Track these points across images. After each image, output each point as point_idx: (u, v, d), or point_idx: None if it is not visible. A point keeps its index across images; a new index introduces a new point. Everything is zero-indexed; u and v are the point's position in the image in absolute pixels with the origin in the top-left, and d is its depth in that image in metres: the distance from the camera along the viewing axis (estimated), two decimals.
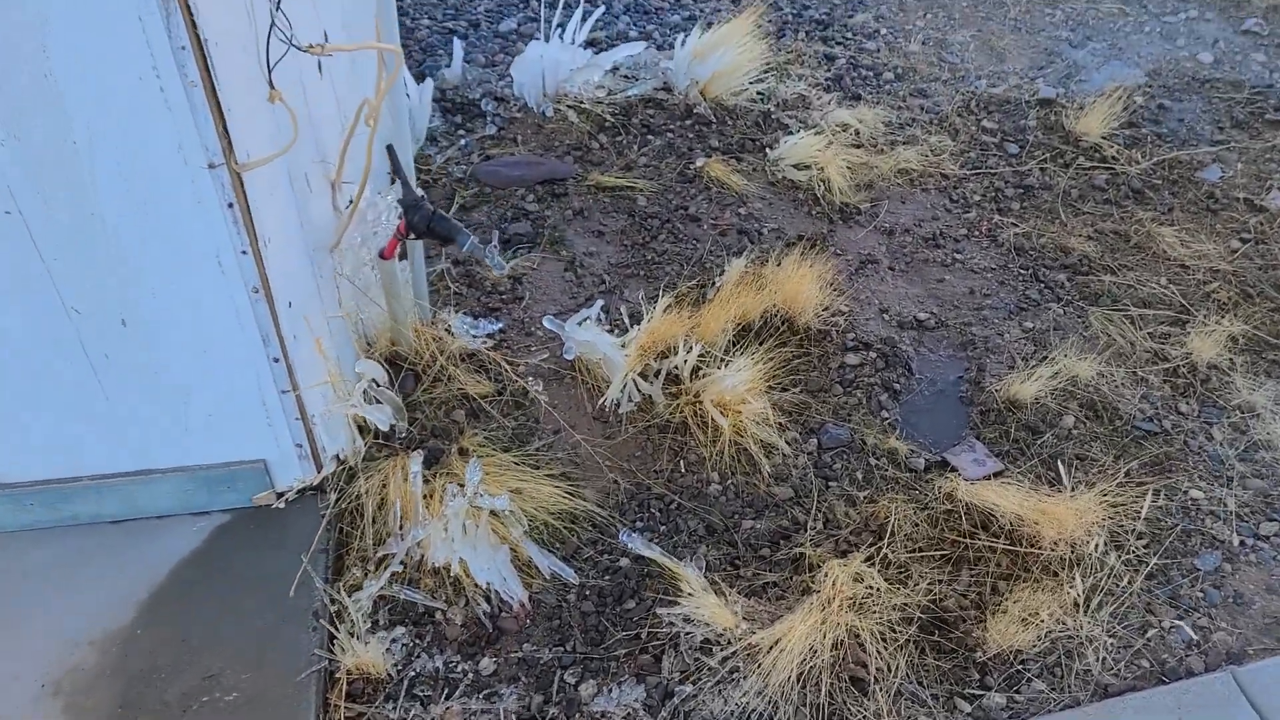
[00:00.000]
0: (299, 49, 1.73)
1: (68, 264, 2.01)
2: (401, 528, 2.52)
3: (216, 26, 1.75)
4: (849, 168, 3.69)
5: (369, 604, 2.40)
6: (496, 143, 3.89)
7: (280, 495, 2.54)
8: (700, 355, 2.91)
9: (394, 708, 2.23)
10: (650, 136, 3.88)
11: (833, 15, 4.59)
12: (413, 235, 2.44)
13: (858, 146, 3.81)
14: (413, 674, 2.30)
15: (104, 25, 1.69)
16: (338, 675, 2.26)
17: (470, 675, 2.31)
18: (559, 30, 3.94)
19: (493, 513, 2.55)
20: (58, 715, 2.17)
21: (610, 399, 2.87)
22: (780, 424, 2.82)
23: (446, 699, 2.26)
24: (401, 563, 2.47)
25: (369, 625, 2.37)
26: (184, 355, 2.21)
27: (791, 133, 3.85)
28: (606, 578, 2.50)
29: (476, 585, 2.44)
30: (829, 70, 4.18)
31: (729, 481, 2.71)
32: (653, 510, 2.66)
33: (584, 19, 3.98)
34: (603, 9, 4.47)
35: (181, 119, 1.82)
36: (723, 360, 2.93)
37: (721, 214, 3.55)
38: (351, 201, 2.45)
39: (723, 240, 3.45)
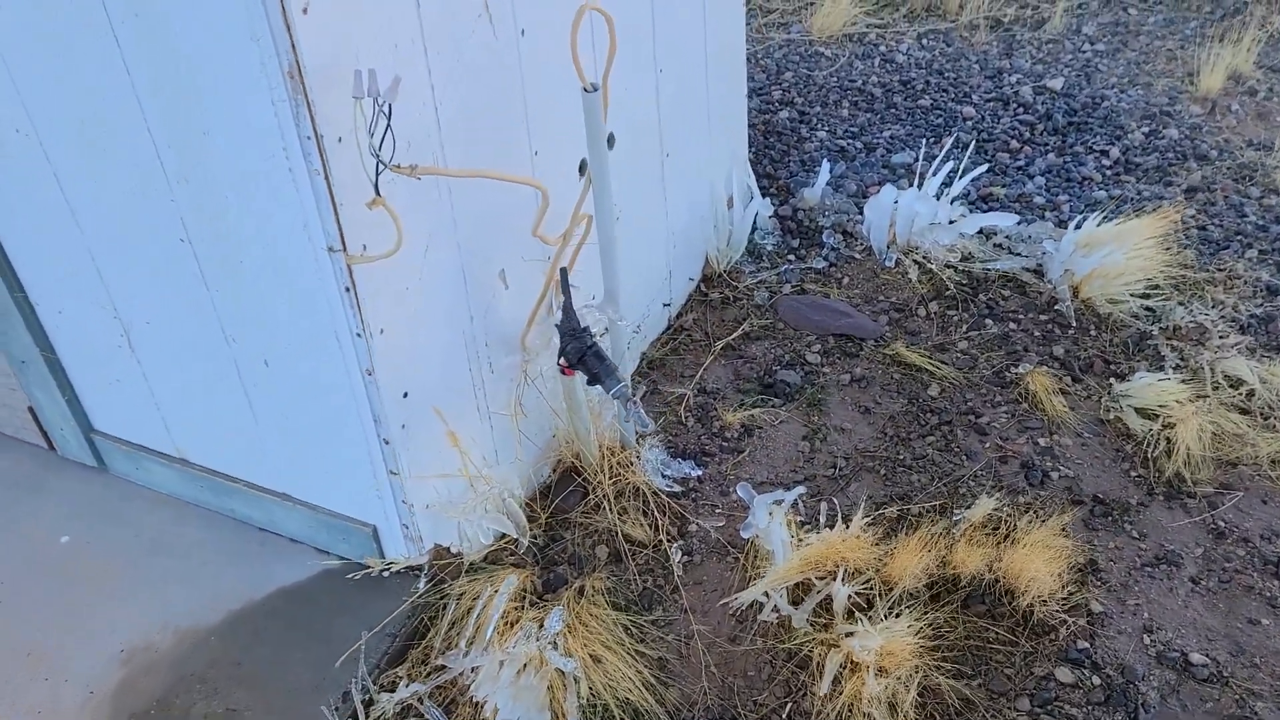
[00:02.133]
0: (385, 165, 1.75)
1: (224, 295, 2.25)
2: (470, 645, 2.48)
3: (335, 124, 1.84)
4: (1213, 435, 2.92)
5: (393, 708, 2.39)
6: (819, 278, 3.67)
7: (385, 564, 2.62)
8: (867, 593, 2.49)
9: None
10: (988, 321, 3.41)
11: None
12: (562, 362, 2.38)
13: (1242, 412, 3.00)
14: None
15: (245, 104, 1.85)
16: None
17: None
18: (937, 175, 3.61)
19: (559, 670, 2.42)
20: (113, 684, 2.44)
21: (744, 601, 2.56)
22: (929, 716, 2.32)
23: None
24: (452, 681, 2.44)
25: None
26: (310, 409, 2.37)
27: (1159, 368, 3.14)
28: None
29: None
30: (1261, 306, 3.34)
31: None
32: None
33: (962, 173, 3.61)
34: (992, 164, 4.02)
35: (306, 201, 1.94)
36: (895, 611, 2.48)
37: (1016, 437, 3.01)
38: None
39: (999, 468, 2.92)
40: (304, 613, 2.57)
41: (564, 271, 2.36)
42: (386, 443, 2.31)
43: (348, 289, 2.05)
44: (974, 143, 4.19)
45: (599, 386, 2.40)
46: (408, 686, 2.39)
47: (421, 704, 2.39)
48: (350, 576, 2.62)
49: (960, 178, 3.58)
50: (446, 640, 2.52)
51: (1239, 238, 3.63)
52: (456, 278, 2.33)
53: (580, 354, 2.33)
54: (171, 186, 2.11)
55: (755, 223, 3.89)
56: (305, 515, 2.65)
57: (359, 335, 2.12)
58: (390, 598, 2.57)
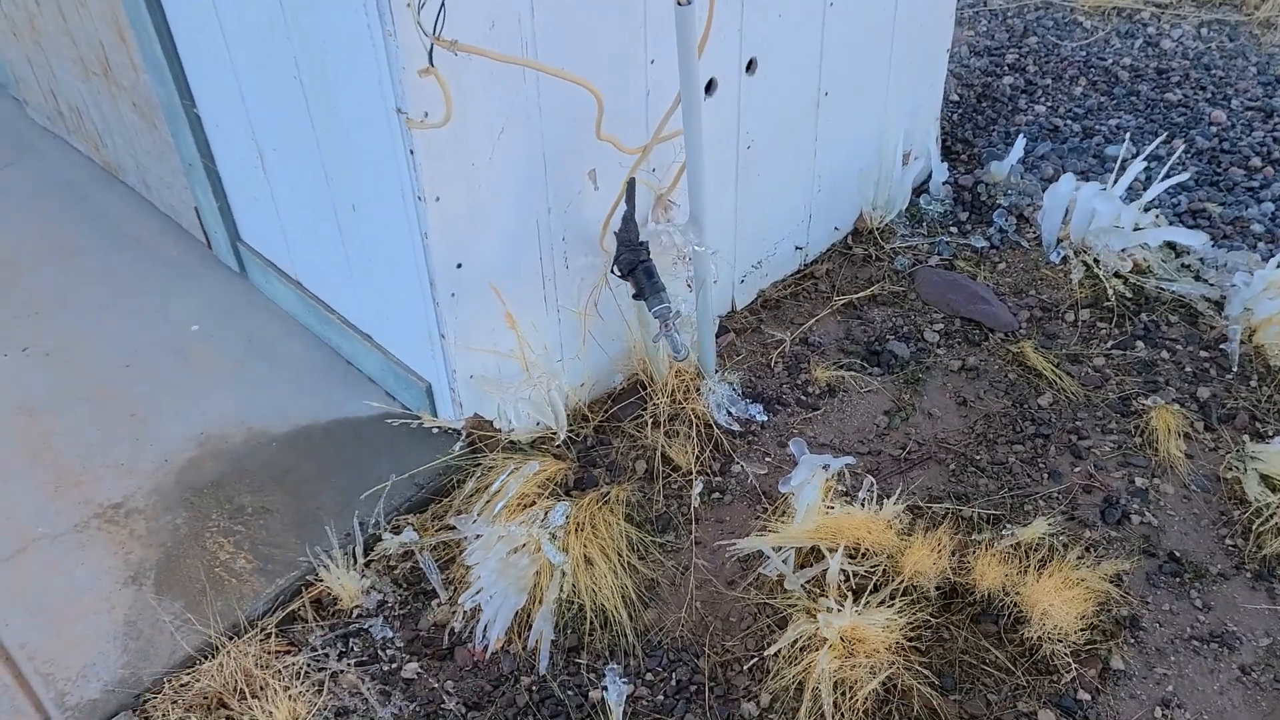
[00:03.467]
0: (428, 36, 1.85)
1: (326, 136, 2.46)
2: (480, 514, 2.64)
3: None
4: None
5: (395, 548, 2.60)
6: (974, 257, 3.48)
7: (435, 421, 2.82)
8: (873, 578, 2.44)
9: (319, 636, 2.44)
10: (1139, 343, 3.13)
11: None
12: (615, 271, 2.43)
13: None
14: (355, 629, 2.47)
15: None
16: (318, 580, 2.52)
17: (393, 668, 2.40)
18: (1129, 173, 3.30)
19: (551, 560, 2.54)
20: (185, 459, 2.80)
21: (743, 548, 2.57)
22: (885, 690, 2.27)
23: (358, 665, 2.40)
24: (457, 541, 2.62)
25: (379, 565, 2.58)
26: (386, 258, 2.56)
27: None
28: (565, 692, 2.35)
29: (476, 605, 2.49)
30: None
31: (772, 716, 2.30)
32: (671, 678, 2.38)
33: (1162, 176, 3.27)
34: (1220, 179, 3.59)
35: (380, 61, 2.09)
36: (892, 602, 2.41)
37: (1113, 470, 2.79)
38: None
39: (1080, 496, 2.72)
40: (354, 445, 2.82)
41: (632, 182, 2.39)
42: (437, 305, 2.47)
43: (411, 151, 2.18)
44: (1209, 151, 3.76)
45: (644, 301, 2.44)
46: (409, 534, 2.59)
47: (420, 554, 2.58)
48: (404, 424, 2.83)
49: (1159, 180, 3.25)
50: (464, 504, 2.69)
51: None
52: (536, 166, 2.42)
53: (631, 266, 2.37)
54: (288, 24, 2.31)
55: (928, 187, 3.72)
56: (380, 359, 2.88)
57: (419, 199, 2.26)
58: (430, 452, 2.76)
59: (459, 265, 2.40)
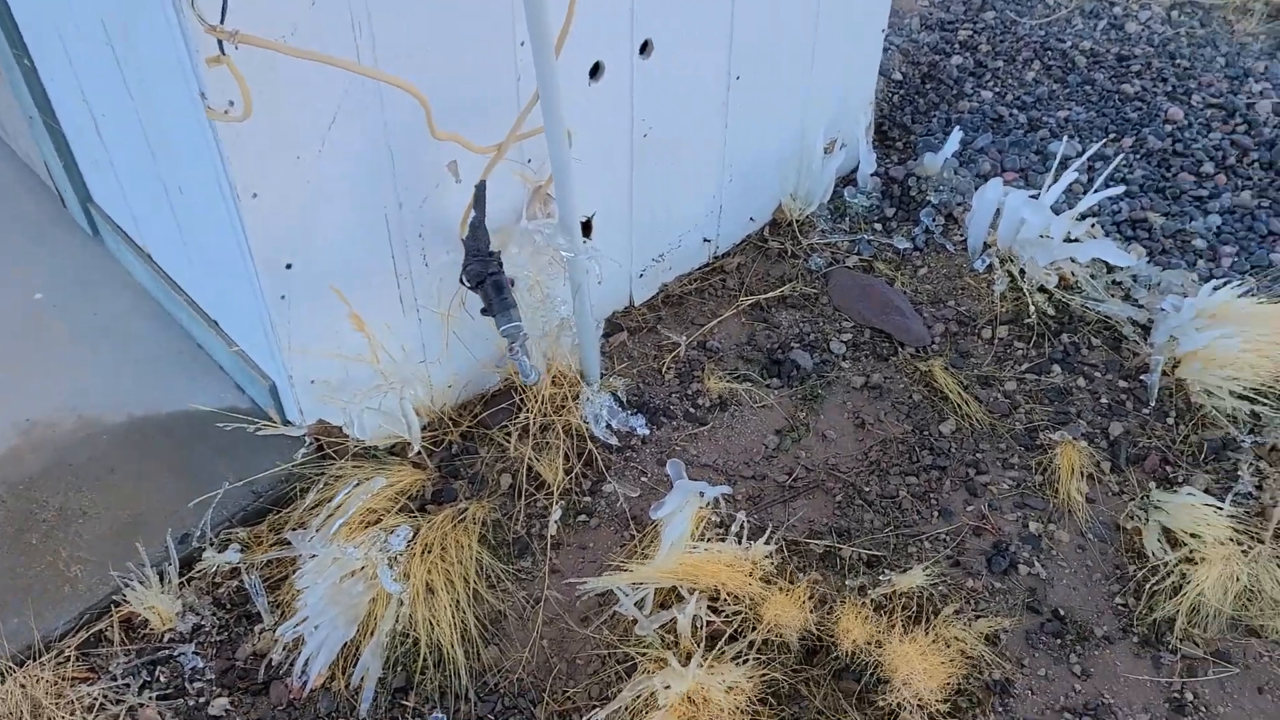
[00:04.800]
0: (205, 24, 1.60)
1: (145, 109, 2.21)
2: (318, 531, 2.45)
3: None
4: (1244, 591, 2.42)
5: (216, 567, 2.41)
6: (895, 260, 3.26)
7: (282, 423, 2.60)
8: (727, 625, 2.27)
9: (122, 663, 2.26)
10: (1056, 368, 2.93)
11: None
12: (464, 282, 2.20)
13: None
14: (164, 655, 2.28)
15: None
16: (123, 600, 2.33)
17: (199, 703, 2.22)
18: (1061, 181, 3.07)
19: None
20: (2, 449, 2.57)
21: (592, 589, 2.38)
22: None
23: (160, 699, 2.22)
24: (292, 559, 2.42)
25: (200, 584, 2.39)
26: (215, 249, 2.32)
27: (1225, 489, 2.61)
28: (384, 718, 2.19)
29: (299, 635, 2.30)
30: None
31: None
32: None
33: (1099, 185, 3.04)
34: (1167, 185, 3.37)
35: (179, 43, 1.83)
36: (750, 656, 2.24)
37: (1007, 512, 2.61)
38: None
39: (968, 539, 2.55)
40: (193, 443, 2.60)
41: (481, 186, 2.15)
42: (267, 307, 2.24)
43: (219, 143, 1.93)
44: (1160, 153, 3.53)
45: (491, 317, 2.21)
46: (232, 553, 2.39)
47: (247, 573, 2.39)
48: (251, 423, 2.61)
49: (1095, 190, 3.02)
50: (305, 516, 2.49)
51: None
52: (380, 158, 2.17)
53: (479, 278, 2.15)
54: None
55: (855, 177, 3.48)
56: (226, 353, 2.65)
57: (235, 195, 2.01)
58: (273, 456, 2.56)
59: (288, 266, 2.17)
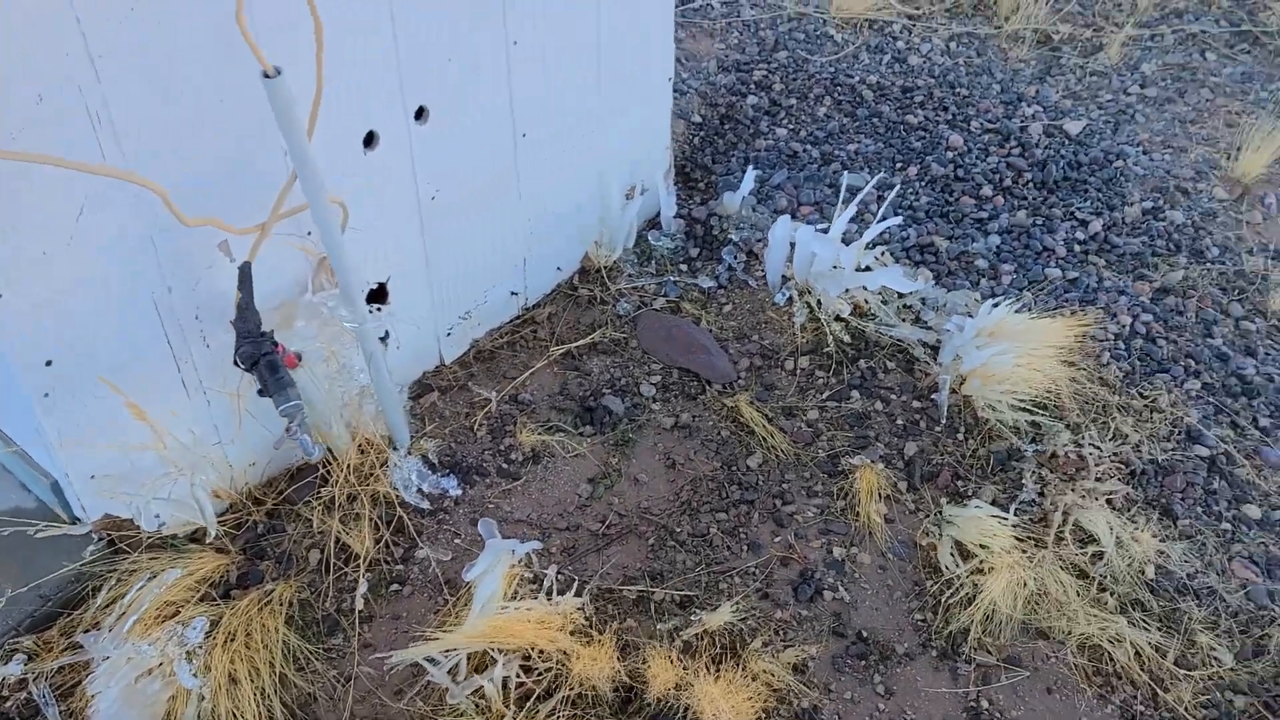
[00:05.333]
0: None
1: None
2: (110, 630, 2.34)
3: None
4: (1031, 596, 2.54)
5: (2, 679, 2.28)
6: (701, 299, 3.34)
7: (69, 521, 2.48)
8: (540, 683, 2.26)
9: None
10: (855, 393, 3.04)
11: (1279, 384, 3.13)
12: (237, 364, 2.15)
13: (1081, 575, 2.60)
14: None
15: None
16: None
17: None
18: (844, 214, 3.19)
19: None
20: None
21: (399, 661, 2.34)
22: None
23: None
24: (85, 663, 2.31)
25: None
26: None
27: (1011, 499, 2.75)
28: None
29: None
30: (1170, 452, 2.88)
31: None
32: None
33: (880, 217, 3.18)
34: (950, 209, 3.55)
35: None
36: (566, 709, 2.24)
37: (812, 539, 2.69)
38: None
39: (776, 570, 2.62)
40: None
41: (245, 266, 2.11)
42: (32, 405, 2.14)
43: None
44: (943, 179, 3.71)
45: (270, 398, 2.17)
46: (15, 665, 2.27)
47: (35, 683, 2.27)
48: (35, 523, 2.49)
49: (876, 221, 3.16)
50: (96, 617, 2.39)
51: (1188, 361, 3.13)
52: (141, 245, 2.11)
53: (252, 359, 2.10)
54: None
55: (659, 221, 3.55)
56: (7, 450, 2.52)
57: None
58: (59, 557, 2.44)
59: (48, 363, 2.08)
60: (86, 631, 2.35)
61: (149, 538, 2.48)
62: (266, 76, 1.85)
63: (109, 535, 2.45)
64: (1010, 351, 2.87)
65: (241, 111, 2.11)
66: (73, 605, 2.42)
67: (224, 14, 1.91)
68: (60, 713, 2.25)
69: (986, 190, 3.68)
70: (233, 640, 2.36)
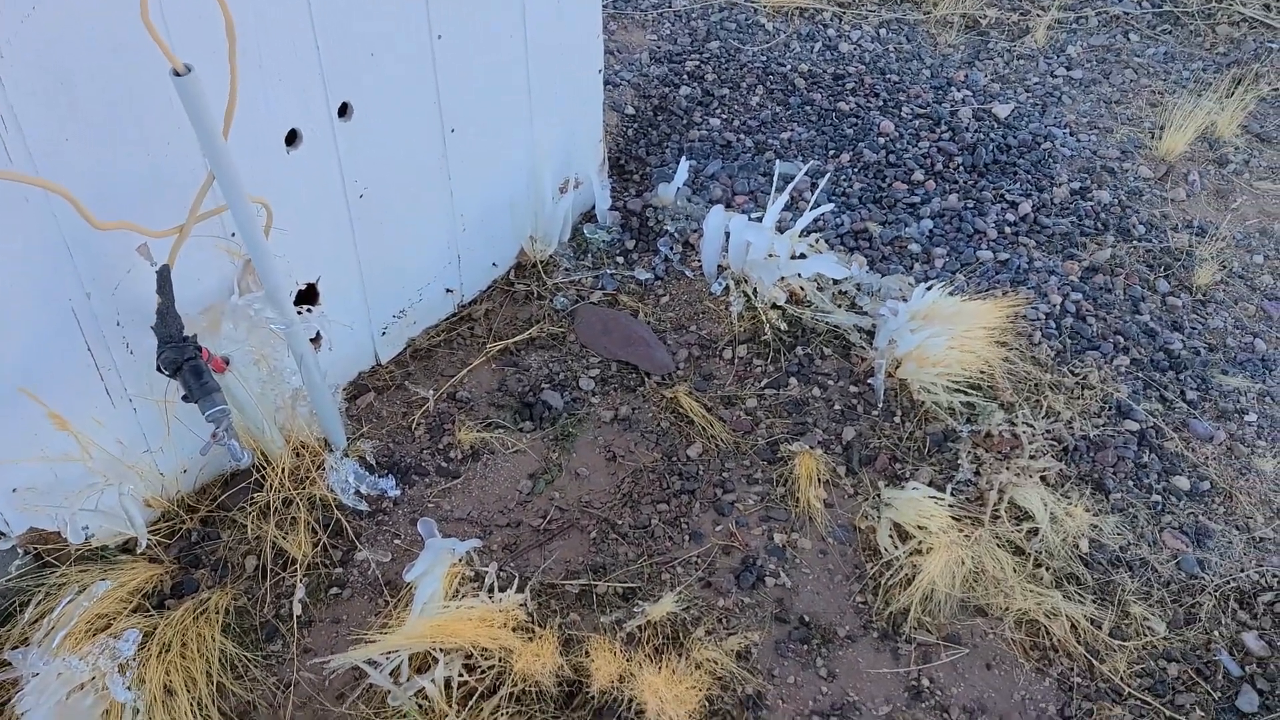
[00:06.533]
0: None
1: None
2: (39, 646, 2.28)
3: None
4: (969, 574, 2.57)
5: None
6: (639, 291, 3.33)
7: None
8: (483, 681, 2.24)
9: None
10: (793, 380, 3.05)
11: (1205, 358, 3.19)
12: (161, 370, 2.10)
13: (1017, 552, 2.64)
14: None
15: None
16: None
17: None
18: (777, 203, 3.20)
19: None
20: None
21: (337, 666, 2.31)
22: None
23: None
24: (14, 681, 2.25)
25: None
26: None
27: (948, 479, 2.78)
28: None
29: None
30: (1101, 428, 2.93)
31: None
32: None
33: (812, 205, 3.19)
34: (884, 194, 3.58)
35: None
36: (509, 710, 2.22)
37: (754, 527, 2.69)
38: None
39: (718, 559, 2.62)
40: None
41: (164, 269, 2.06)
42: None
43: None
44: (875, 165, 3.74)
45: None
46: None
47: None
48: None
49: (809, 209, 3.17)
50: (25, 633, 2.33)
51: (1117, 338, 3.19)
52: (54, 251, 2.05)
53: (175, 365, 2.06)
54: None
55: (594, 214, 3.54)
56: None
57: None
58: None
59: None
60: (14, 649, 2.28)
61: (77, 550, 2.42)
62: (176, 74, 1.81)
63: (35, 549, 2.39)
64: (943, 334, 2.90)
65: (155, 111, 2.06)
66: (1, 622, 2.36)
67: (131, 11, 1.86)
68: None
69: (918, 175, 3.72)
70: (168, 651, 2.31)
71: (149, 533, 2.48)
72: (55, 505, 2.32)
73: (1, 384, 2.10)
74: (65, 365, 2.21)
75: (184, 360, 2.06)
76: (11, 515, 2.29)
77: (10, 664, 2.26)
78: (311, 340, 2.63)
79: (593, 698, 2.29)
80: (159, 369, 2.12)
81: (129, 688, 2.20)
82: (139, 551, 2.48)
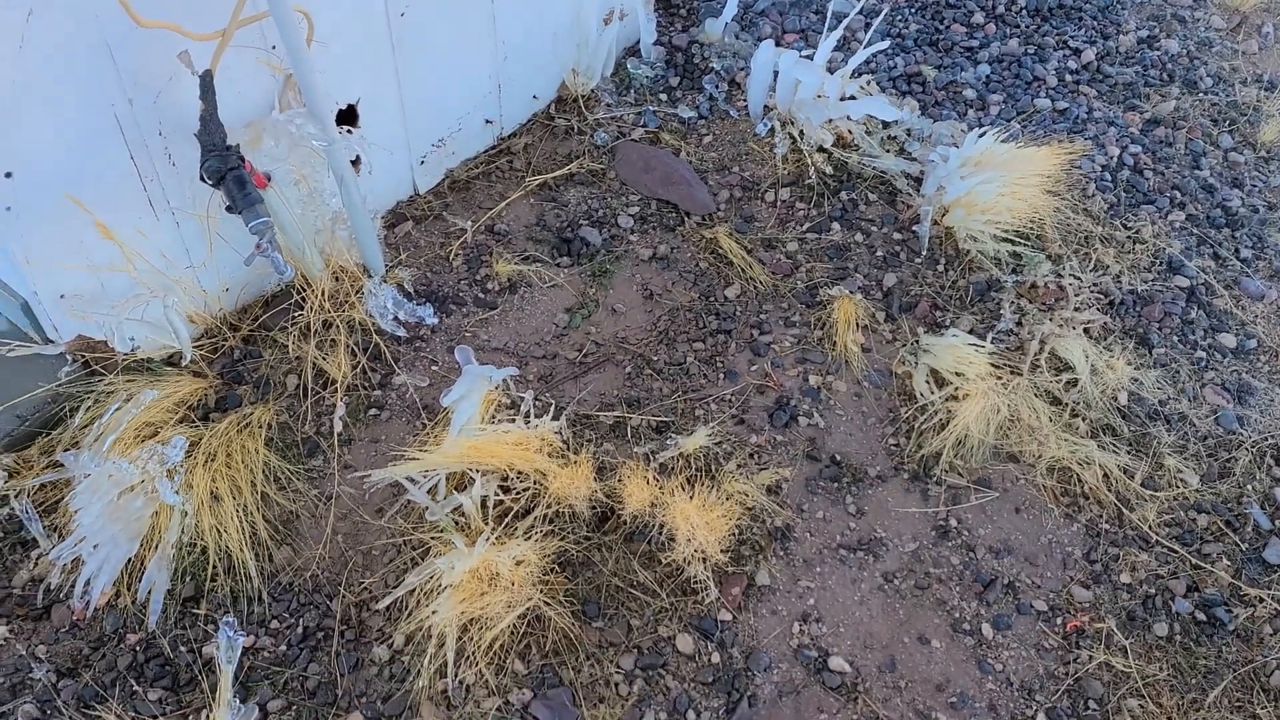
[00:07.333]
0: None
1: None
2: (89, 449, 2.36)
3: None
4: (1004, 421, 2.58)
5: None
6: (681, 130, 3.26)
7: (41, 342, 2.46)
8: (517, 503, 2.31)
9: None
10: (836, 225, 3.01)
11: (1263, 216, 3.10)
12: (204, 179, 2.10)
13: (1054, 402, 2.64)
14: None
15: None
16: None
17: None
18: (829, 40, 3.09)
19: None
20: None
21: (377, 480, 2.37)
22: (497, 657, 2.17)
23: None
24: (67, 480, 2.33)
25: None
26: None
27: (989, 328, 2.76)
28: (176, 649, 2.16)
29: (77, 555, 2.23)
30: (1150, 283, 2.88)
31: (395, 670, 2.17)
32: (298, 625, 2.21)
33: (866, 43, 3.08)
34: (939, 38, 3.45)
35: None
36: (541, 529, 2.29)
37: (789, 368, 2.70)
38: None
39: (752, 398, 2.64)
40: None
41: (206, 74, 2.03)
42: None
43: None
44: (933, 6, 3.59)
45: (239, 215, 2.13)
46: None
47: (16, 499, 2.29)
48: (7, 343, 2.46)
49: (863, 47, 3.06)
50: (76, 437, 2.40)
51: (1174, 193, 3.10)
52: (96, 53, 2.03)
53: (219, 174, 2.05)
54: None
55: (639, 48, 3.44)
56: None
57: None
58: (34, 377, 2.43)
59: (8, 175, 2.02)
60: (66, 450, 2.36)
61: (124, 360, 2.47)
62: None
63: (83, 356, 2.44)
64: (994, 180, 2.83)
65: None
66: (50, 425, 2.43)
67: None
68: (44, 528, 2.28)
69: (978, 17, 3.57)
70: (213, 460, 2.38)
71: (193, 348, 2.53)
72: (102, 314, 2.36)
73: (49, 190, 2.11)
74: (109, 174, 2.21)
75: (227, 169, 2.05)
76: (60, 321, 2.33)
77: (63, 464, 2.33)
78: (351, 163, 2.61)
79: (624, 522, 2.35)
80: (202, 178, 2.12)
81: (177, 492, 2.27)
82: (184, 364, 2.53)
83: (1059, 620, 2.30)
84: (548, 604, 2.20)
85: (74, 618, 2.19)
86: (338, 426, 2.50)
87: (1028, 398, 2.62)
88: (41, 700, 2.07)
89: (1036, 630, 2.28)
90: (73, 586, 2.21)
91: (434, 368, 2.67)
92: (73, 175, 2.14)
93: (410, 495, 2.34)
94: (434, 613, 2.12)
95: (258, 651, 2.18)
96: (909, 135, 3.20)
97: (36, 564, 2.26)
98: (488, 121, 3.12)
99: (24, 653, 2.14)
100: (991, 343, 2.69)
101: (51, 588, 2.22)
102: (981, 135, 2.96)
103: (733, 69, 3.36)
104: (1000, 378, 2.64)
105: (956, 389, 2.61)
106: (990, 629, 2.27)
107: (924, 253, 2.95)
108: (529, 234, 2.98)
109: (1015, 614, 2.30)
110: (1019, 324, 2.78)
